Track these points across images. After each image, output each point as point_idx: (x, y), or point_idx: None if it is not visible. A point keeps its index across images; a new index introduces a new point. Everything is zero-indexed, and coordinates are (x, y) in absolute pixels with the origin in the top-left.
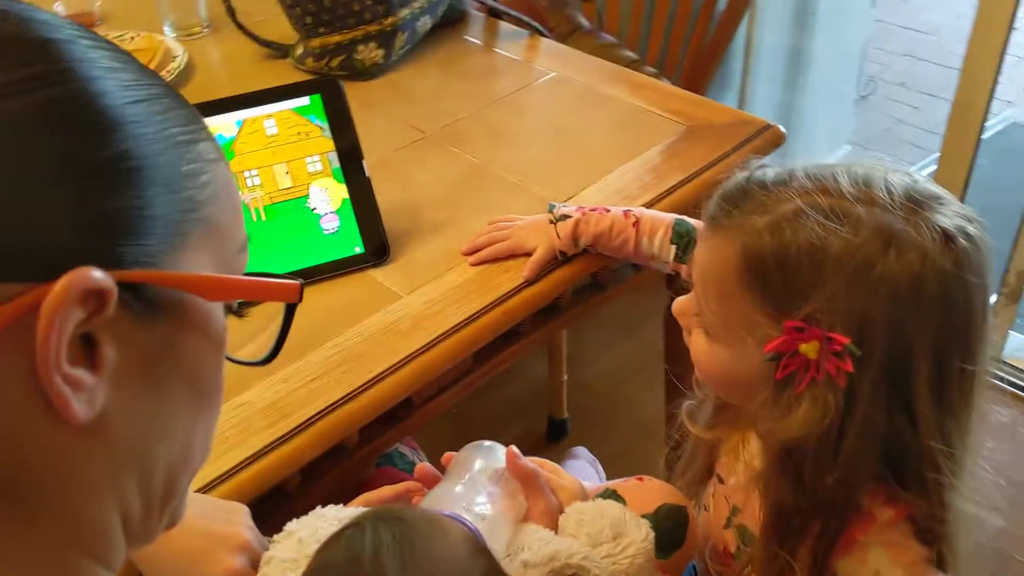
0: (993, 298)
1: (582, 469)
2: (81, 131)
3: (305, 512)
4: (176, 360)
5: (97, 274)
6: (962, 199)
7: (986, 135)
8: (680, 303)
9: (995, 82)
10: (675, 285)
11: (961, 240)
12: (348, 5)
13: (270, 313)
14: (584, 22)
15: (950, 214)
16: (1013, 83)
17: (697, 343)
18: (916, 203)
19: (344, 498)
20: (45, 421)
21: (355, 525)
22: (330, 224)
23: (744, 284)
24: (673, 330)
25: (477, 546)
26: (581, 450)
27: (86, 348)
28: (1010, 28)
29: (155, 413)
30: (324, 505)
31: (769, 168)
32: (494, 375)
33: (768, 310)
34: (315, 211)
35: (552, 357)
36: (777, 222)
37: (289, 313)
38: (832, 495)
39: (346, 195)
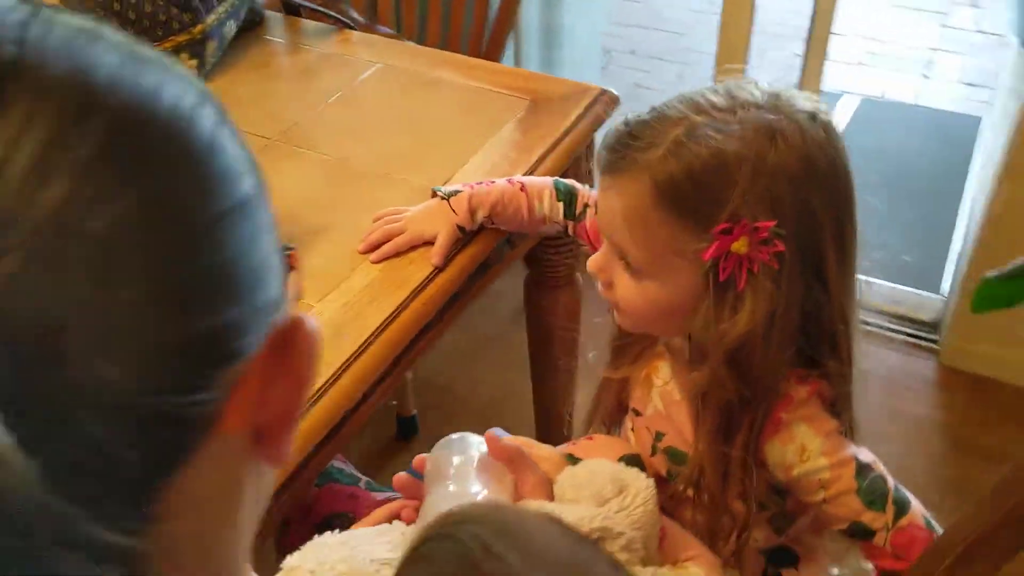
0: None
1: None
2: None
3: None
4: None
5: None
6: None
7: None
8: (595, 261)
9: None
10: (534, 261)
11: (822, 115)
12: (154, 16)
13: None
14: (356, 16)
15: (801, 98)
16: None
17: (625, 288)
18: (773, 97)
19: (296, 524)
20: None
21: (433, 539)
22: None
23: (664, 211)
24: (535, 306)
25: (563, 526)
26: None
27: None
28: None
29: None
30: (282, 527)
31: (635, 112)
32: None
33: (692, 227)
34: None
35: None
36: (675, 145)
37: None
38: (772, 377)
39: None
